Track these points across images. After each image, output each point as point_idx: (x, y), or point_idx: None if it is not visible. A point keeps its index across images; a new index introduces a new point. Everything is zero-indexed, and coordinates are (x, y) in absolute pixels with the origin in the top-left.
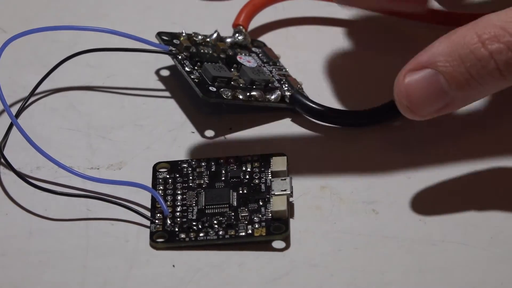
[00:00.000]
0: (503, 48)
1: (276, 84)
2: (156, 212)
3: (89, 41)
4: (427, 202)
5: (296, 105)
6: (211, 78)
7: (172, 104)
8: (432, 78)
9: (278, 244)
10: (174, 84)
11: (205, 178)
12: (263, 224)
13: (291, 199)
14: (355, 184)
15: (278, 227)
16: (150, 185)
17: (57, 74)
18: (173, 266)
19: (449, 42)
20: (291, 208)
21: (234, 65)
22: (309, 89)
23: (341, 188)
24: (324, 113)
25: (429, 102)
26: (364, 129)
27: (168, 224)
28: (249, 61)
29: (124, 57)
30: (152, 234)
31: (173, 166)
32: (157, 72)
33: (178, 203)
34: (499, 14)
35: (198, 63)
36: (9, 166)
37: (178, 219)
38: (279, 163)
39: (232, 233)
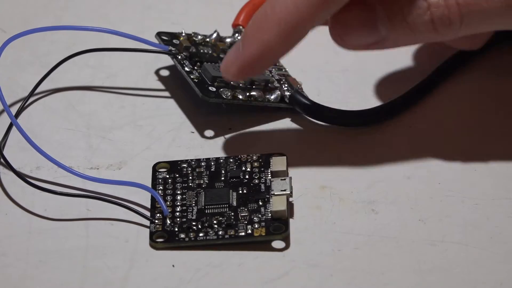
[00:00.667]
0: (441, 3)
1: (276, 84)
2: (156, 212)
3: (89, 41)
4: (427, 202)
5: (296, 105)
6: (210, 78)
7: (171, 104)
8: (368, 14)
9: (277, 244)
10: (174, 84)
11: (205, 178)
12: (263, 224)
13: (290, 199)
14: (355, 184)
15: (278, 227)
16: (149, 185)
17: (57, 74)
18: (173, 266)
19: None
20: (291, 208)
21: None
22: (309, 89)
23: (341, 188)
24: (324, 113)
25: (360, 34)
26: (363, 129)
27: (167, 224)
28: None
29: (124, 57)
30: (151, 234)
31: (173, 166)
32: (157, 72)
33: (178, 203)
34: None
35: (198, 63)
36: (8, 166)
37: (178, 219)
38: (279, 163)
39: (231, 233)
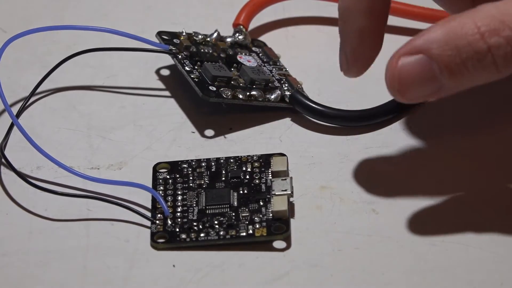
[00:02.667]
0: (502, 42)
1: (276, 83)
2: (157, 212)
3: (89, 41)
4: (428, 202)
5: (296, 105)
6: (211, 77)
7: (172, 104)
8: (425, 64)
9: (278, 244)
10: (174, 84)
11: (206, 178)
12: (264, 224)
13: (291, 199)
14: (355, 184)
15: (279, 227)
16: (150, 185)
17: (57, 74)
18: (173, 266)
19: (446, 29)
20: (292, 208)
21: (234, 65)
22: (309, 89)
23: (341, 188)
24: (324, 113)
25: (419, 86)
26: (364, 129)
27: (168, 224)
28: (249, 61)
29: (124, 57)
30: (153, 235)
31: (173, 166)
32: (157, 72)
33: (179, 204)
34: (498, 6)
35: (198, 63)
36: (9, 166)
37: (179, 220)
38: (279, 163)
39: (233, 233)
